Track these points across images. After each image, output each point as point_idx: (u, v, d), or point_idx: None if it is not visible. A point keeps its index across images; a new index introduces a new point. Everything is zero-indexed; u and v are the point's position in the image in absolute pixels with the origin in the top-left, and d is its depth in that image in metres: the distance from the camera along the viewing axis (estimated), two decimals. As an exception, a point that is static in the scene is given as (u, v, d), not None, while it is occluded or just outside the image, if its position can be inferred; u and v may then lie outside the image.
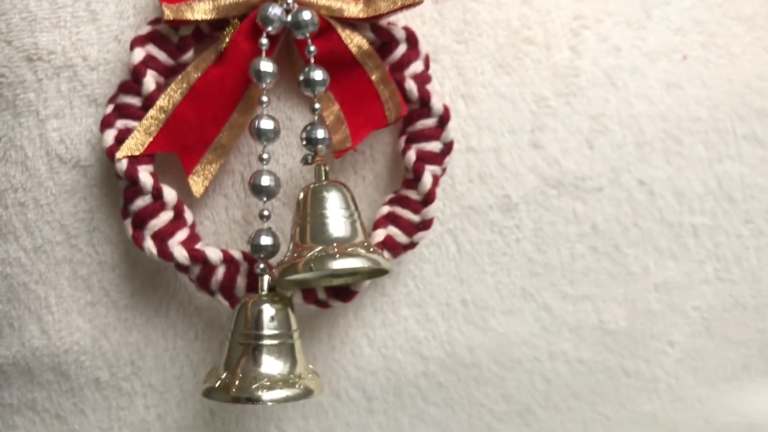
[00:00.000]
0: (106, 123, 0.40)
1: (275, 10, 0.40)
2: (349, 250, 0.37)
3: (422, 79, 0.43)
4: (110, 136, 0.40)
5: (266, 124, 0.39)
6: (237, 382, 0.37)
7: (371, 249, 0.38)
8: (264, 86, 0.40)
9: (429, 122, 0.43)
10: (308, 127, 0.40)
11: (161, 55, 0.41)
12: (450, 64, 0.46)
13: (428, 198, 0.42)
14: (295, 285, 0.40)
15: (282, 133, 0.43)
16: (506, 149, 0.48)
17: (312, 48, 0.40)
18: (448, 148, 0.44)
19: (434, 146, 0.43)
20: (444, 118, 0.43)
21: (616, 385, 0.52)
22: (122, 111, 0.41)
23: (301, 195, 0.39)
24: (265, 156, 0.40)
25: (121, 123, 0.41)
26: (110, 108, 0.41)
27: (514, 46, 0.48)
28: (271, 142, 0.40)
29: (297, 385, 0.37)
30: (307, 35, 0.40)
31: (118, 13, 0.43)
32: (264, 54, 0.40)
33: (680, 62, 0.51)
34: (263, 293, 0.39)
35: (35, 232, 0.45)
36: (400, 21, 0.44)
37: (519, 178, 0.48)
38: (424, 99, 0.42)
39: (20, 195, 0.44)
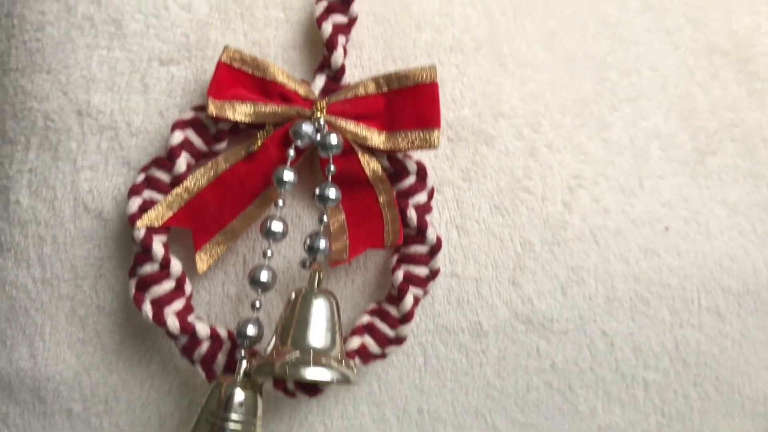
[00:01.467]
0: (134, 191, 0.45)
1: (307, 128, 0.44)
2: (324, 361, 0.41)
3: (423, 209, 0.47)
4: (135, 204, 0.44)
5: (277, 226, 0.43)
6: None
7: (343, 362, 0.42)
8: (282, 191, 0.44)
9: (421, 249, 0.47)
10: (312, 236, 0.44)
11: (197, 141, 0.46)
12: (452, 197, 0.51)
13: (406, 317, 0.46)
14: (269, 375, 0.44)
15: (289, 227, 0.47)
16: (486, 281, 0.52)
17: (332, 168, 0.44)
18: (433, 274, 0.48)
19: (421, 271, 0.47)
20: (435, 248, 0.47)
21: None
22: (151, 183, 0.45)
23: (293, 296, 0.43)
24: (269, 253, 0.44)
25: (147, 194, 0.45)
26: (141, 177, 0.45)
27: (512, 191, 0.52)
28: (278, 242, 0.44)
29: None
30: (331, 155, 0.44)
31: (167, 91, 0.48)
32: (289, 163, 0.44)
33: (662, 232, 0.56)
34: (238, 377, 0.43)
35: (47, 266, 0.48)
36: (415, 153, 0.48)
37: (493, 309, 0.52)
38: (422, 228, 0.47)
39: (41, 229, 0.48)
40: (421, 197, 0.48)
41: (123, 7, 0.48)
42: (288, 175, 0.43)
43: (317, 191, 0.44)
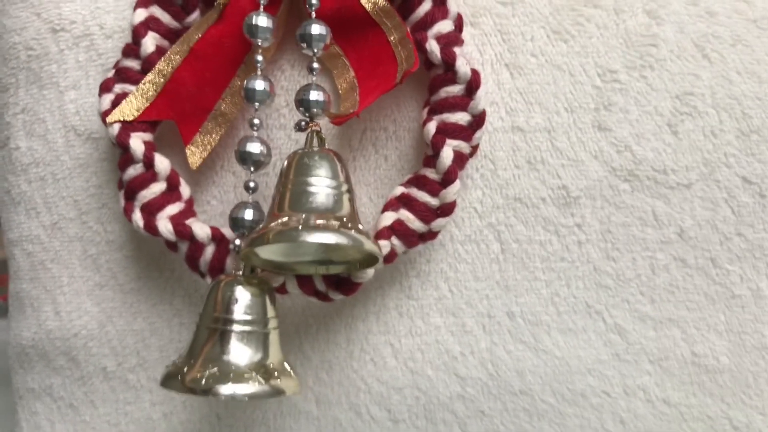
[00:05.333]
0: (104, 87, 0.38)
1: (276, -40, 0.35)
2: (325, 223, 0.31)
3: (448, 40, 0.37)
4: (107, 100, 0.38)
5: (259, 84, 0.35)
6: (196, 371, 0.32)
7: (356, 227, 0.32)
8: (260, 43, 0.35)
9: (454, 89, 0.37)
10: (303, 89, 0.35)
11: (164, 17, 0.38)
12: (492, 28, 0.40)
13: (448, 177, 0.36)
14: (276, 267, 0.35)
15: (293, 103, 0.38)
16: (563, 130, 0.40)
17: (314, 1, 0.35)
18: (477, 120, 0.37)
19: (460, 117, 0.37)
20: (472, 85, 0.36)
21: (714, 438, 0.41)
22: (122, 75, 0.38)
23: (286, 162, 0.34)
24: (256, 121, 0.35)
25: (119, 87, 0.38)
26: (112, 72, 0.39)
27: (573, 9, 0.40)
28: (265, 106, 0.35)
29: (265, 381, 0.32)
30: (310, -15, 0.35)
31: (136, -20, 0.41)
32: (262, 8, 0.36)
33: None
34: (239, 273, 0.34)
35: (52, 208, 0.43)
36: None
37: (579, 167, 0.40)
38: (448, 62, 0.36)
39: (41, 169, 0.43)
40: (443, 26, 0.37)
41: None
42: (261, 20, 0.35)
43: (298, 32, 0.35)
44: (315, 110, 0.35)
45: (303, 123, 0.35)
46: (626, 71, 0.40)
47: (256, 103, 0.35)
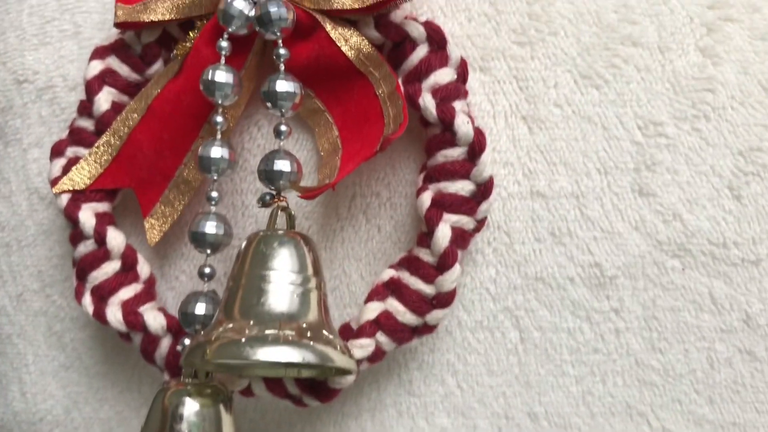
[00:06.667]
0: (55, 151, 0.33)
1: (238, 3, 0.30)
2: (280, 334, 0.25)
3: (447, 93, 0.30)
4: (57, 166, 0.33)
5: (215, 151, 0.29)
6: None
7: (323, 337, 0.26)
8: (220, 102, 0.30)
9: (453, 153, 0.30)
10: (268, 157, 0.29)
11: (122, 69, 0.33)
12: (507, 74, 0.33)
13: (444, 261, 0.29)
14: (234, 370, 0.29)
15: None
16: (594, 196, 0.33)
17: (282, 51, 0.30)
18: (483, 190, 0.30)
19: (461, 187, 0.30)
20: (475, 148, 0.30)
21: None
22: (75, 136, 0.34)
23: (243, 246, 0.28)
24: (213, 194, 0.30)
25: (71, 151, 0.33)
26: (66, 133, 0.34)
27: (607, 48, 0.33)
28: (223, 175, 0.30)
29: None
30: (278, 34, 0.29)
31: (100, 23, 0.37)
32: (223, 60, 0.30)
33: None
34: (188, 381, 0.28)
35: (17, 278, 0.39)
36: (421, 10, 0.32)
37: (616, 240, 0.33)
38: (445, 120, 0.30)
39: (6, 234, 0.39)
40: (441, 75, 0.31)
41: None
42: (219, 75, 0.29)
43: (261, 88, 0.29)
44: (281, 182, 0.29)
45: (268, 197, 0.29)
46: (675, 123, 0.33)
47: (214, 174, 0.29)
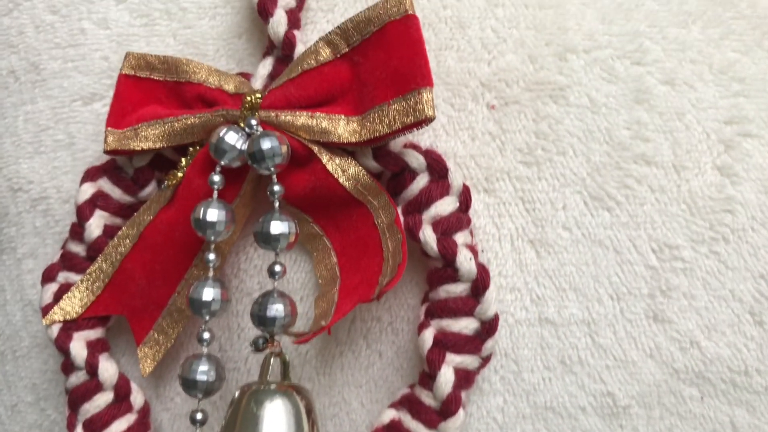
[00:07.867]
0: (47, 276, 0.32)
1: (230, 137, 0.29)
2: None
3: (448, 225, 0.29)
4: (48, 292, 0.32)
5: (207, 293, 0.28)
6: None
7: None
8: (212, 239, 0.29)
9: (456, 289, 0.29)
10: (260, 300, 0.28)
11: (115, 191, 0.32)
12: (513, 195, 0.32)
13: (448, 407, 0.28)
14: None
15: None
16: (606, 323, 0.31)
17: (276, 188, 0.28)
18: (488, 328, 0.29)
19: (464, 325, 0.29)
20: (479, 285, 0.28)
21: None
22: (66, 261, 0.32)
23: (235, 396, 0.27)
24: (205, 336, 0.28)
25: (63, 276, 0.32)
26: (58, 256, 0.33)
27: (619, 167, 0.31)
28: (215, 317, 0.28)
29: None
30: (272, 170, 0.28)
31: (93, 135, 0.36)
32: (215, 195, 0.29)
33: None
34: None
35: (12, 388, 0.38)
36: (421, 139, 0.30)
37: (630, 368, 0.31)
38: (446, 256, 0.28)
39: (1, 343, 0.38)
40: (442, 206, 0.29)
41: (39, 46, 0.38)
42: (212, 214, 0.28)
43: (254, 228, 0.28)
44: (275, 327, 0.27)
45: (261, 341, 0.28)
46: (691, 246, 0.31)
47: (206, 316, 0.28)
